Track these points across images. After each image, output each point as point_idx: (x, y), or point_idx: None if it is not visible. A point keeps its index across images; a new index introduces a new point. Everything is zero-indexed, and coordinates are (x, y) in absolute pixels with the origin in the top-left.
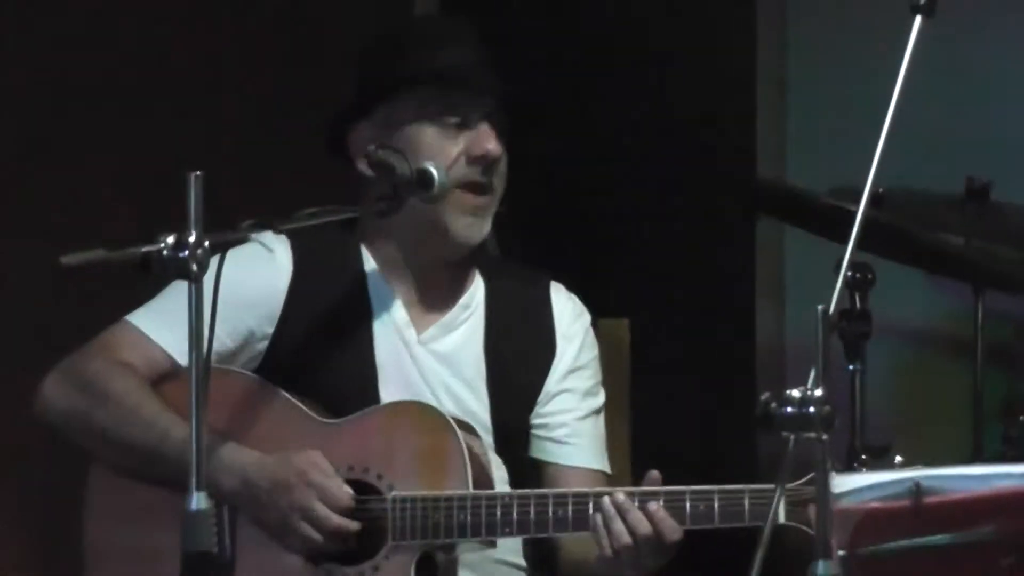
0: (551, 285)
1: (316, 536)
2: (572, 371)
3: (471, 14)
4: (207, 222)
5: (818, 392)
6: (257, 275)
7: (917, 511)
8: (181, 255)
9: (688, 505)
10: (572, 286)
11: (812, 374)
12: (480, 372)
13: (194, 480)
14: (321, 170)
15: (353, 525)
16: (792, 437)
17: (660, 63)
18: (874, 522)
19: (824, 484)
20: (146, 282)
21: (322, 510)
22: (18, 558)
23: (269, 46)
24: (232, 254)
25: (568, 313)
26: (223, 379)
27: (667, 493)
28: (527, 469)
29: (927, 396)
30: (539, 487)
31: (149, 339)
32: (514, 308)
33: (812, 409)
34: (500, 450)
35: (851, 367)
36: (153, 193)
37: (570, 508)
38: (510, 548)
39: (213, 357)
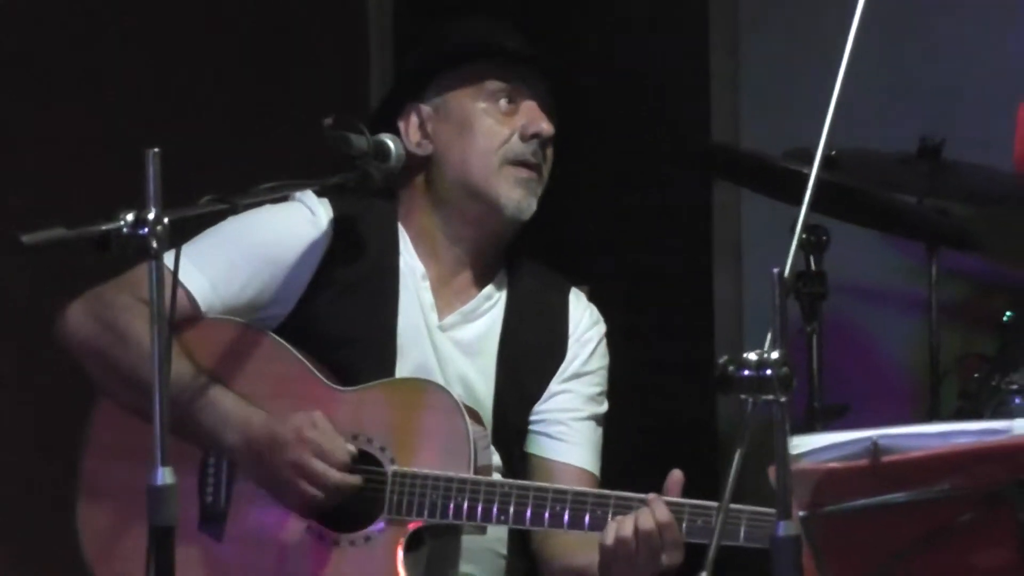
0: (571, 291)
1: (312, 491)
2: (578, 375)
3: None
4: (169, 200)
5: (775, 354)
6: (298, 235)
7: (875, 470)
8: (141, 232)
9: (700, 522)
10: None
11: (769, 336)
12: (491, 364)
13: (159, 454)
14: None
15: (352, 479)
16: (750, 399)
17: (614, 31)
18: (833, 482)
19: (783, 445)
20: (106, 260)
21: (319, 466)
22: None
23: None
24: (275, 210)
25: (585, 321)
26: (236, 332)
27: (672, 505)
28: (517, 463)
29: (883, 355)
30: (528, 480)
31: (178, 279)
32: (533, 307)
33: (770, 371)
34: (495, 441)
35: (807, 328)
36: (113, 174)
37: (568, 506)
38: (497, 537)
39: (236, 303)
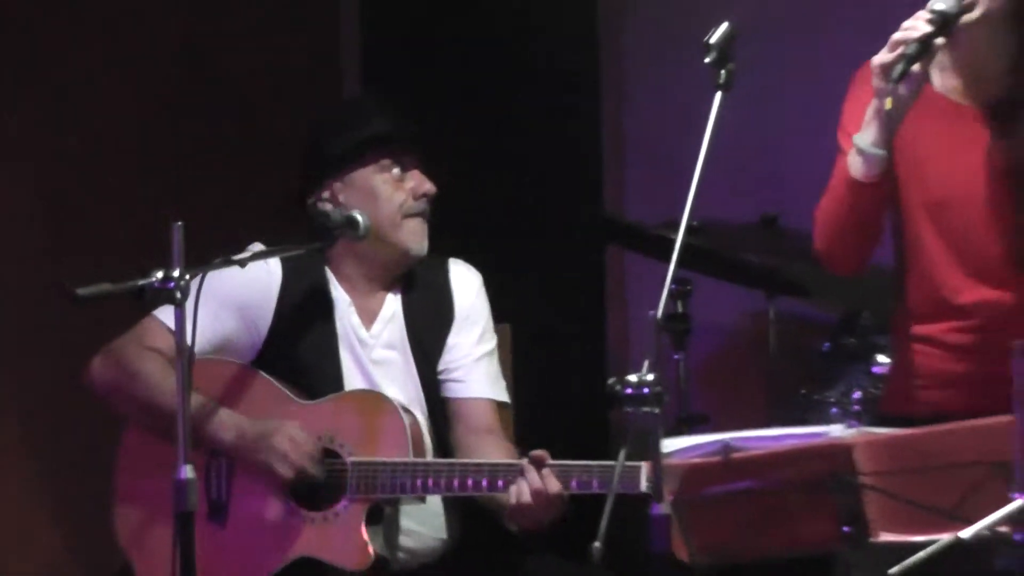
0: (449, 261)
1: (288, 472)
2: (464, 325)
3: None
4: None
5: (651, 376)
6: (258, 285)
7: (727, 465)
8: (169, 286)
9: (575, 480)
10: None
11: (646, 363)
12: (406, 345)
13: (182, 454)
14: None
15: (316, 467)
16: (632, 411)
17: (519, 118)
18: (695, 474)
19: (656, 446)
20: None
21: (293, 452)
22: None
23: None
24: (238, 271)
25: (461, 278)
26: (227, 368)
27: (556, 468)
28: (447, 444)
29: (734, 378)
30: (455, 439)
31: (166, 327)
32: (422, 289)
33: (647, 389)
34: (430, 426)
35: (676, 356)
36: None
37: (485, 476)
38: (435, 499)
39: (216, 346)
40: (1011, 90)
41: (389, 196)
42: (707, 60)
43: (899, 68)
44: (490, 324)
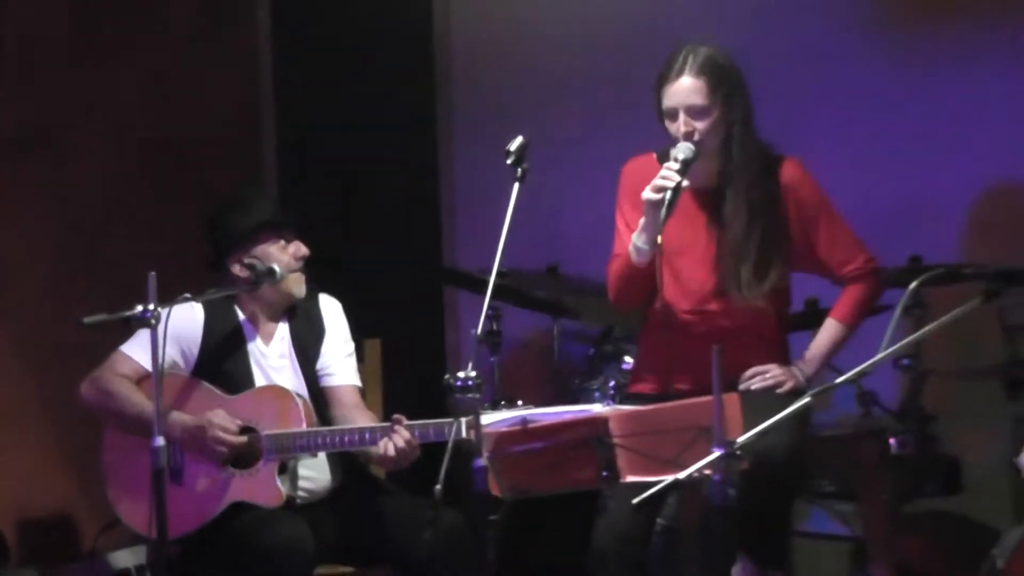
0: (319, 294)
1: (220, 449)
2: (332, 335)
3: None
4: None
5: (473, 373)
6: (188, 323)
7: (525, 432)
8: (146, 316)
9: (418, 432)
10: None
11: (470, 364)
12: (295, 360)
13: (157, 428)
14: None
15: (241, 439)
16: (460, 396)
17: (370, 183)
18: (503, 438)
19: (477, 418)
20: (123, 329)
21: (220, 435)
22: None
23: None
24: (176, 310)
25: (327, 305)
26: (177, 379)
27: (408, 425)
28: (326, 419)
29: (530, 374)
30: (332, 414)
31: (132, 359)
32: (301, 315)
33: (470, 382)
34: (312, 397)
35: (492, 359)
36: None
37: (357, 436)
38: (323, 454)
39: (167, 365)
40: (718, 183)
41: (279, 259)
42: (508, 162)
43: (665, 212)
44: (348, 335)
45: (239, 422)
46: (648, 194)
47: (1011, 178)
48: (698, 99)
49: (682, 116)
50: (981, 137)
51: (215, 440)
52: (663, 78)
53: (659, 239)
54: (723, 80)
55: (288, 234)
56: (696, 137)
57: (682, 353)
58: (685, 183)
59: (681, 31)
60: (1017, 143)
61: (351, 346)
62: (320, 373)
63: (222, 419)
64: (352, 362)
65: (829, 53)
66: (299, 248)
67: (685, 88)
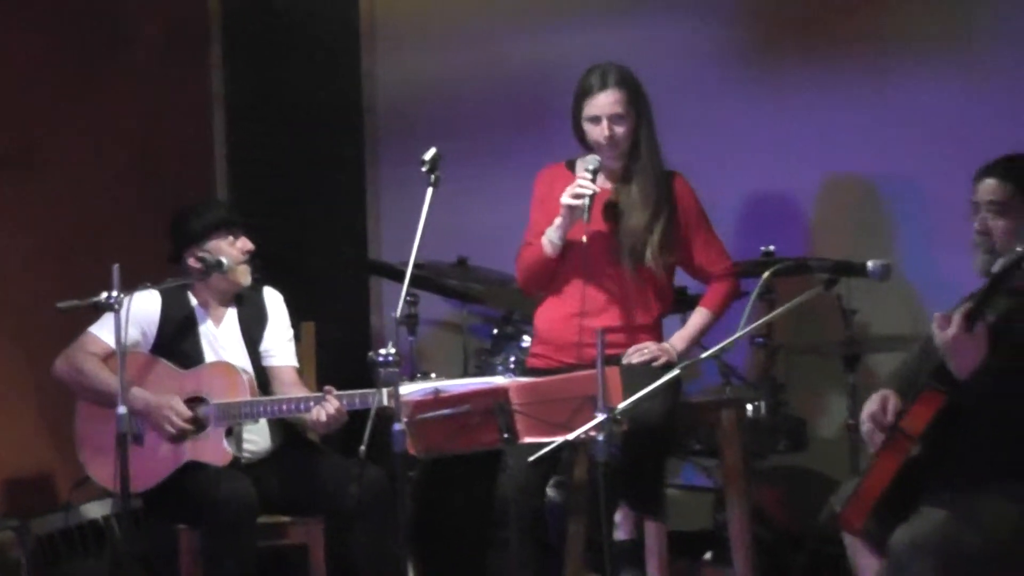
0: (263, 288)
1: (169, 429)
2: (274, 322)
3: None
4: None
5: (393, 350)
6: (147, 307)
7: (437, 400)
8: (111, 301)
9: (345, 400)
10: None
11: (390, 343)
12: (241, 341)
13: (121, 398)
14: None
15: (187, 427)
16: (383, 371)
17: (319, 198)
18: (419, 406)
19: (397, 390)
20: (91, 312)
21: (173, 419)
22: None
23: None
24: (137, 297)
25: (271, 296)
26: (139, 357)
27: (337, 395)
28: (266, 392)
29: (443, 351)
30: (273, 391)
31: (99, 339)
32: (248, 304)
33: (391, 358)
34: (256, 374)
35: (410, 339)
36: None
37: (294, 405)
38: (264, 420)
39: (130, 344)
40: (623, 184)
41: (227, 252)
42: (423, 170)
43: (584, 215)
44: (288, 323)
45: (190, 413)
46: (567, 199)
47: (849, 184)
48: (619, 108)
49: (604, 123)
50: (824, 149)
51: (168, 421)
52: (585, 91)
53: (584, 238)
54: (636, 92)
55: (236, 231)
56: (616, 140)
57: (568, 334)
58: (597, 189)
59: (576, 70)
60: (854, 154)
61: (291, 332)
62: (263, 354)
63: (178, 404)
64: (291, 346)
65: (696, 80)
66: (245, 243)
67: (608, 99)
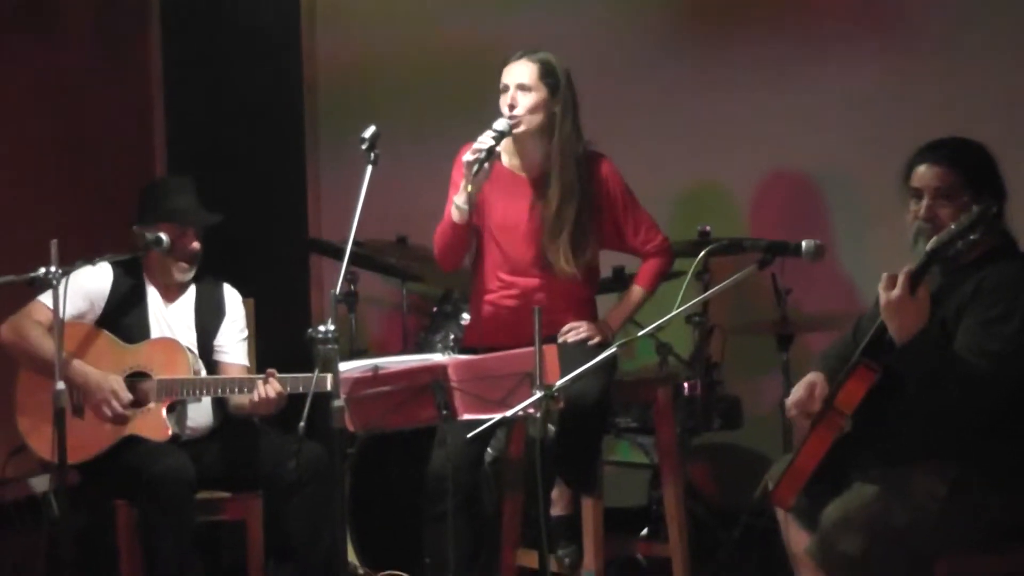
0: (224, 284)
1: (106, 411)
2: (229, 320)
3: None
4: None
5: (332, 327)
6: (98, 280)
7: (376, 377)
8: (49, 277)
9: (290, 384)
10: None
11: (329, 320)
12: (192, 326)
13: (58, 374)
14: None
15: (125, 412)
16: (321, 348)
17: (259, 184)
18: (359, 382)
19: (336, 367)
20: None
21: (111, 402)
22: None
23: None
24: (88, 270)
25: (229, 295)
26: (82, 328)
27: (280, 379)
28: (212, 371)
29: (383, 328)
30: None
31: (47, 307)
32: (206, 296)
33: (330, 335)
34: (202, 357)
35: (351, 316)
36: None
37: (236, 386)
38: (206, 399)
39: (75, 315)
40: (542, 170)
41: (174, 246)
42: (363, 147)
43: (475, 168)
44: (245, 323)
45: (131, 397)
46: (467, 156)
47: (783, 169)
48: (526, 78)
49: (511, 91)
50: (759, 136)
51: (107, 404)
52: (504, 62)
53: (471, 191)
54: (551, 73)
55: (191, 231)
56: (517, 110)
57: (505, 313)
58: (499, 148)
59: (515, 51)
60: (788, 141)
61: (246, 332)
62: (216, 349)
63: (119, 388)
64: (244, 346)
65: (642, 65)
66: (192, 242)
67: (518, 68)
